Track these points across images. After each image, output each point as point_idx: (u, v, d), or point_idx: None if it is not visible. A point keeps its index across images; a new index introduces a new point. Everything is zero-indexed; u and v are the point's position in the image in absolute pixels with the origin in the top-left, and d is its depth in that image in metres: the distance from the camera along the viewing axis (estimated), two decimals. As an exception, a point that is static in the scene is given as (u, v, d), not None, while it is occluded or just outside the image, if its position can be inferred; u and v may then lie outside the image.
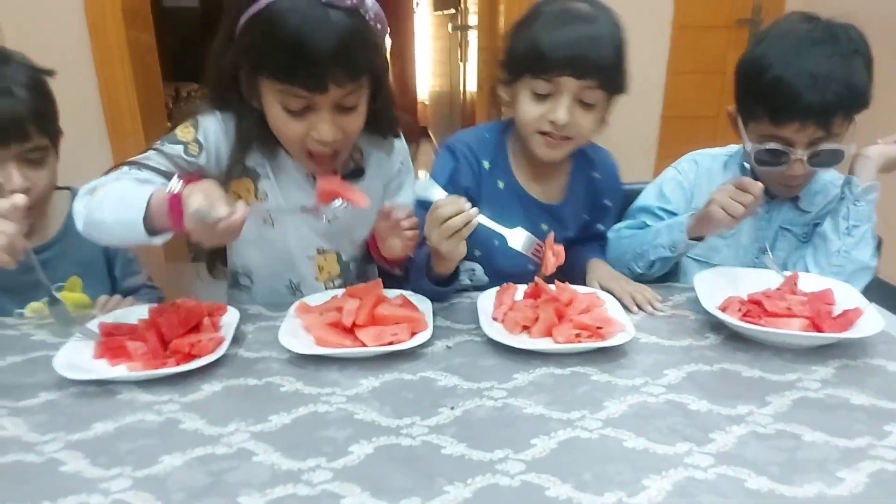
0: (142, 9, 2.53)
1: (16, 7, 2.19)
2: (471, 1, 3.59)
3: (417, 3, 6.32)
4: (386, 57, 1.06)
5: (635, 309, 1.06)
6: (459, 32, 3.96)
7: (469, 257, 1.14)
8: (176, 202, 0.80)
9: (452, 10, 4.13)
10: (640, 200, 1.31)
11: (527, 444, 0.71)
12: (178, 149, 1.01)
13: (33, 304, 1.12)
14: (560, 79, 1.05)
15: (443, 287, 1.06)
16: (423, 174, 1.06)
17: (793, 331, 0.91)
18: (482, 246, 1.17)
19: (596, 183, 1.25)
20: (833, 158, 1.10)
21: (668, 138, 2.91)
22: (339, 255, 1.18)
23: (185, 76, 4.76)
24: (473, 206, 0.93)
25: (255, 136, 1.04)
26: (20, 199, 0.82)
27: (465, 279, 1.20)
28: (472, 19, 3.51)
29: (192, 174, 0.93)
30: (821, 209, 1.21)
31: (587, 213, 1.27)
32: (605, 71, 1.05)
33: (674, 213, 1.26)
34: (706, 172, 1.28)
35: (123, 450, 0.70)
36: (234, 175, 1.06)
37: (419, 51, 6.54)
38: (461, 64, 4.04)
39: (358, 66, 0.94)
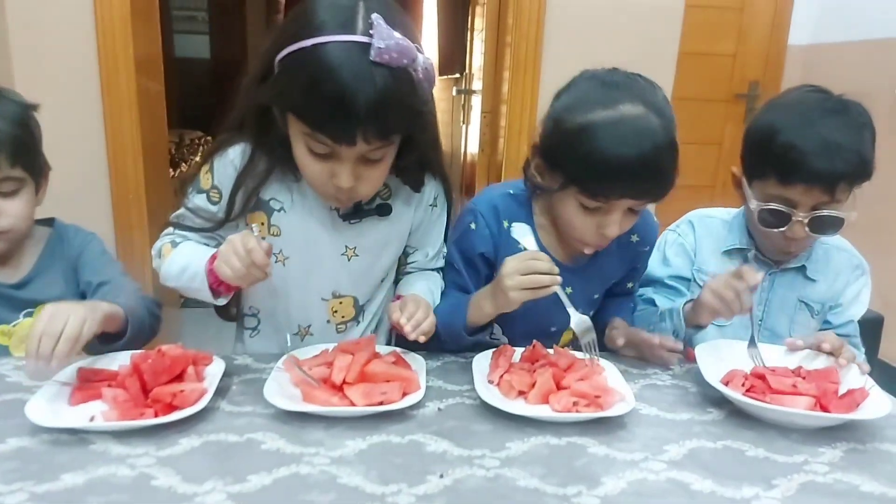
0: (154, 58, 2.57)
1: (30, 47, 2.21)
2: (476, 66, 3.69)
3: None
4: (430, 112, 1.01)
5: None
6: (463, 96, 4.05)
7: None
8: (212, 276, 0.96)
9: (457, 75, 4.24)
10: (649, 271, 1.29)
11: (520, 519, 0.67)
12: (202, 199, 1.06)
13: (3, 327, 1.08)
14: (616, 200, 1.00)
15: (475, 335, 1.07)
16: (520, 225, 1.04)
17: (800, 410, 0.88)
18: None
19: (632, 246, 1.19)
20: (832, 225, 1.12)
21: (666, 205, 2.92)
22: (356, 300, 1.14)
23: (190, 124, 4.84)
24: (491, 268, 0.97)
25: (278, 162, 1.02)
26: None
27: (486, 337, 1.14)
28: (476, 84, 3.60)
29: (216, 255, 0.96)
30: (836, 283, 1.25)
31: (620, 272, 1.22)
32: (663, 189, 1.01)
33: (683, 278, 1.27)
34: (706, 232, 1.30)
35: (90, 506, 0.66)
36: (248, 207, 1.06)
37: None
38: (463, 126, 4.11)
39: (391, 127, 0.91)
